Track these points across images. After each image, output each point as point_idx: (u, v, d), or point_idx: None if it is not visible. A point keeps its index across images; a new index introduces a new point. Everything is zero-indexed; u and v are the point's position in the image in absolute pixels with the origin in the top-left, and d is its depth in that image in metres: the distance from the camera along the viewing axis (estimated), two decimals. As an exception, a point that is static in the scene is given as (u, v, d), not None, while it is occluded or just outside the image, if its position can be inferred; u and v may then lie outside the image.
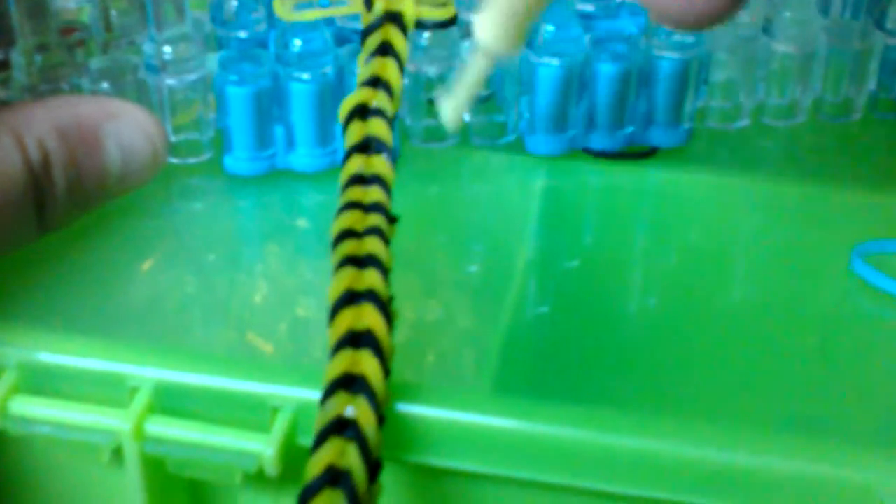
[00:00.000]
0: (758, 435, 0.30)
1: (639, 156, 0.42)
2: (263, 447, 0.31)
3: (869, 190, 0.40)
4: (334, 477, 0.26)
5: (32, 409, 0.32)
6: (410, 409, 0.30)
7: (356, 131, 0.34)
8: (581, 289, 0.37)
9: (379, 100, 0.34)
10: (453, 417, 0.30)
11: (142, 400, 0.31)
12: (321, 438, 0.27)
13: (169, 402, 0.32)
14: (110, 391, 0.32)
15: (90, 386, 0.32)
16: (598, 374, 0.33)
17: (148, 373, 0.32)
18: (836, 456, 0.29)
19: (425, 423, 0.30)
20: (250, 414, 0.31)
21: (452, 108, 0.33)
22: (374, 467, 0.27)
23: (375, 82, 0.35)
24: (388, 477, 0.28)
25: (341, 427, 0.27)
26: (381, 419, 0.28)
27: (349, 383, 0.28)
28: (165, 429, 0.31)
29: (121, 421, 0.31)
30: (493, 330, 0.34)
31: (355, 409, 0.27)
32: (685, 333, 0.35)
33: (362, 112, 0.34)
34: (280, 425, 0.31)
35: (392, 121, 0.35)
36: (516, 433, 0.30)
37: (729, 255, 0.38)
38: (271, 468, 0.31)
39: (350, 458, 0.27)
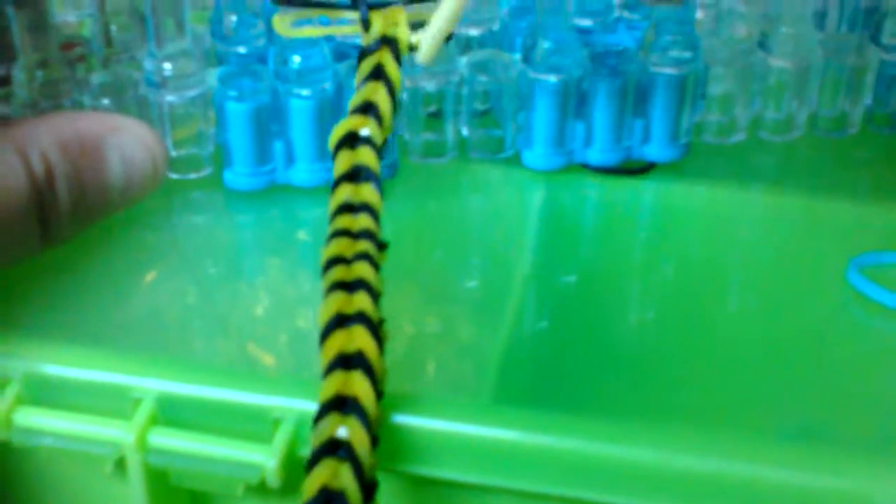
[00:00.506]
0: (756, 444, 0.30)
1: (636, 171, 0.42)
2: (265, 458, 0.31)
3: (865, 203, 0.41)
4: (328, 498, 0.26)
5: (36, 420, 0.32)
6: (410, 420, 0.30)
7: (345, 160, 0.34)
8: (579, 302, 0.37)
9: (368, 127, 0.35)
10: (452, 428, 0.30)
11: (145, 411, 0.32)
12: (315, 459, 0.27)
13: (172, 413, 0.32)
14: (113, 402, 0.32)
15: (93, 397, 0.32)
16: (596, 386, 0.33)
17: (151, 384, 0.32)
18: (833, 465, 0.29)
19: (424, 434, 0.30)
20: (252, 425, 0.31)
21: (429, 42, 0.34)
22: (368, 487, 0.27)
23: (366, 109, 0.35)
24: (387, 488, 0.28)
25: (334, 448, 0.27)
26: (374, 440, 0.28)
27: (341, 404, 0.28)
28: (168, 440, 0.31)
29: (124, 432, 0.31)
30: (492, 342, 0.34)
31: (348, 429, 0.27)
32: (683, 345, 0.35)
33: (351, 140, 0.35)
34: (282, 437, 0.31)
35: (381, 149, 0.35)
36: (515, 444, 0.30)
37: (726, 268, 0.38)
38: (273, 480, 0.31)
39: (343, 478, 0.27)
